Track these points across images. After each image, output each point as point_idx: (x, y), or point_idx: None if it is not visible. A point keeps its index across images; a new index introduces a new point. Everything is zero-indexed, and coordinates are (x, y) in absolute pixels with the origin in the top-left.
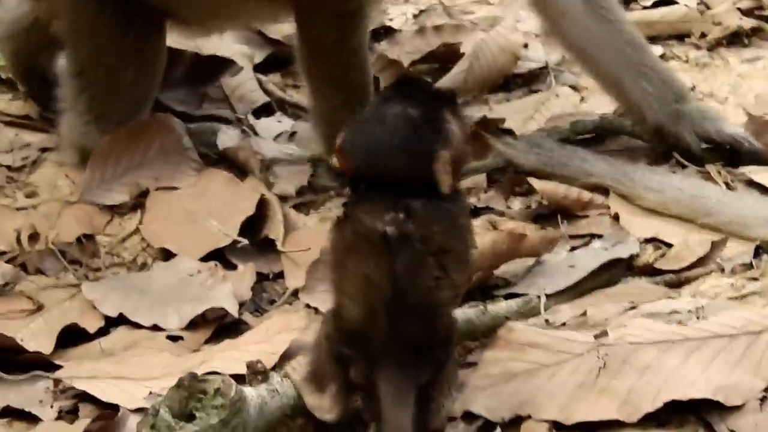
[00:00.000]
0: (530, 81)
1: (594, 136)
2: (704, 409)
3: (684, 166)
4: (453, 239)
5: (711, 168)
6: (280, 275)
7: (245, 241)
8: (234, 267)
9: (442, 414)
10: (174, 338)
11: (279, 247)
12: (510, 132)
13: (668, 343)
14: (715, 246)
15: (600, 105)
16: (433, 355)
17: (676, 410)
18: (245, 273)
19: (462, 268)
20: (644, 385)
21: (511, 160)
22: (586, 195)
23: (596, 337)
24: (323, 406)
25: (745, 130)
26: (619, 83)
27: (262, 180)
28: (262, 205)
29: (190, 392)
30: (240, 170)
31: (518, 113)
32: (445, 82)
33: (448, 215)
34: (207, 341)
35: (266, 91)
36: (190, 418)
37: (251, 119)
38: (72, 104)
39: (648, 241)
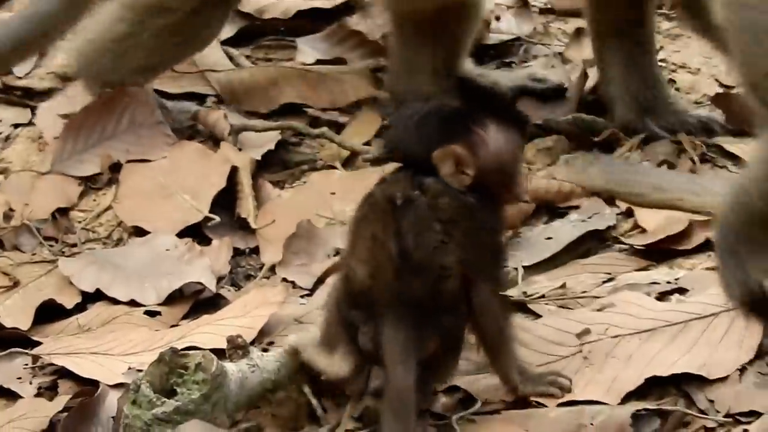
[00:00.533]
0: (503, 53)
1: None
2: (685, 383)
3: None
4: (462, 215)
5: (684, 139)
6: (256, 250)
7: (217, 219)
8: (210, 241)
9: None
10: (152, 313)
11: (252, 224)
12: None
13: (650, 331)
14: (694, 225)
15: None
16: (439, 322)
17: (656, 385)
18: (221, 248)
19: (476, 247)
20: (628, 372)
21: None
22: (567, 185)
23: (579, 335)
24: (333, 366)
25: (713, 108)
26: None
27: (231, 142)
28: (234, 177)
29: (171, 367)
30: (213, 140)
31: None
32: None
33: (458, 197)
34: (185, 316)
35: (238, 66)
36: (171, 393)
37: None
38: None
39: (624, 214)
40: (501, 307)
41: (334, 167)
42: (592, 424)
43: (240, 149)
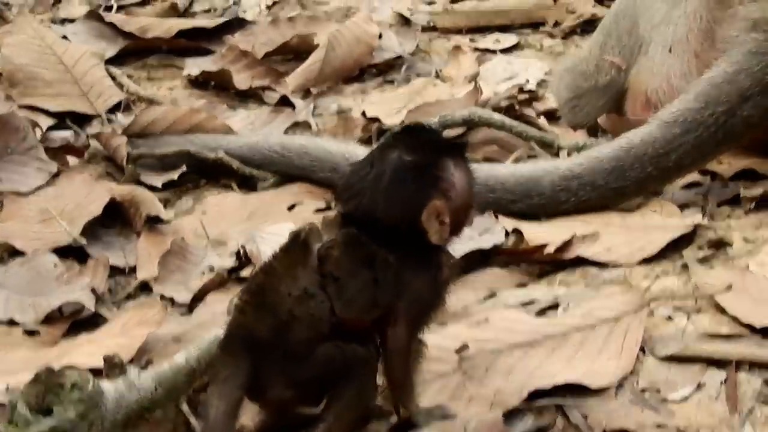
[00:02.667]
0: (385, 71)
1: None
2: (566, 395)
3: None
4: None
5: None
6: (135, 269)
7: (83, 241)
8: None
9: None
10: (31, 333)
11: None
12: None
13: (530, 343)
14: (576, 240)
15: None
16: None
17: (539, 398)
18: (98, 266)
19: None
20: (509, 384)
21: None
22: None
23: (458, 351)
24: None
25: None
26: None
27: (129, 172)
28: (122, 200)
29: (47, 386)
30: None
31: (385, 105)
32: (299, 73)
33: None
34: (64, 335)
35: (121, 86)
36: (47, 412)
37: (112, 116)
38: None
39: (513, 232)
40: (414, 351)
41: (230, 186)
42: (465, 430)
43: (138, 175)
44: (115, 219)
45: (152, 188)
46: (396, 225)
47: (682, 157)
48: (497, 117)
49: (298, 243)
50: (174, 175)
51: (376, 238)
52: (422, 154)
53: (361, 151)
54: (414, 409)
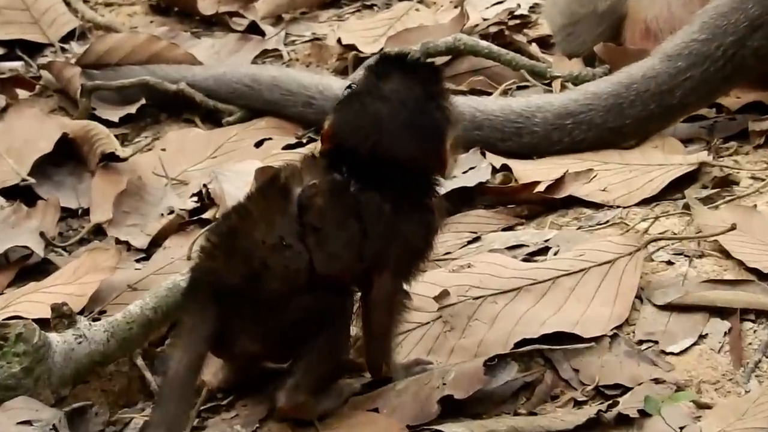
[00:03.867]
0: None
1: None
2: (552, 348)
3: None
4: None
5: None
6: (88, 211)
7: (32, 181)
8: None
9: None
10: None
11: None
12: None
13: (515, 291)
14: (572, 177)
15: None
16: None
17: (524, 352)
18: (48, 208)
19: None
20: (494, 333)
21: None
22: None
23: (437, 299)
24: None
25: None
26: None
27: (83, 105)
28: (75, 137)
29: None
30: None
31: (363, 32)
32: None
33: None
34: (10, 284)
35: (76, 12)
36: None
37: (66, 45)
38: None
39: (501, 169)
40: (398, 303)
41: (192, 121)
42: (444, 384)
43: (94, 109)
44: (67, 157)
45: (108, 123)
46: (416, 161)
47: (687, 94)
48: (484, 44)
49: (276, 185)
50: (132, 109)
51: (370, 184)
52: (426, 84)
53: (336, 84)
54: (391, 367)
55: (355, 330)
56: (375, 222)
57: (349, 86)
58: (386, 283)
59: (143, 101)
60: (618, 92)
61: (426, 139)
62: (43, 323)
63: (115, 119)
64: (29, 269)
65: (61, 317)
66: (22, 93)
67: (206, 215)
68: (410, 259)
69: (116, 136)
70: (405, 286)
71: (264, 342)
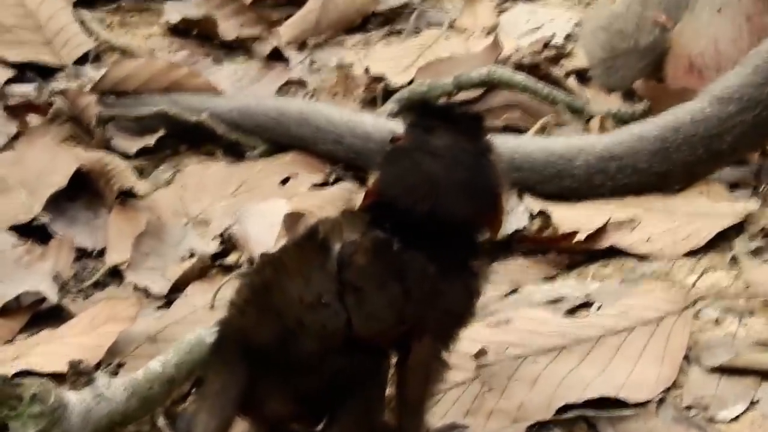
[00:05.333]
0: (391, 20)
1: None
2: (597, 412)
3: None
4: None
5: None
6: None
7: (46, 219)
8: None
9: None
10: None
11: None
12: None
13: (558, 348)
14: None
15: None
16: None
17: (567, 418)
18: (62, 247)
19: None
20: (535, 396)
21: None
22: None
23: (476, 357)
24: None
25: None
26: None
27: (99, 135)
28: (90, 170)
29: (2, 398)
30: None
31: (392, 61)
32: (294, 21)
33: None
34: (22, 329)
35: (90, 33)
36: (2, 429)
37: (80, 68)
38: None
39: (539, 214)
40: (436, 370)
41: (213, 154)
42: None
43: (110, 139)
44: (82, 190)
45: (125, 155)
46: (473, 221)
47: (738, 139)
48: (520, 78)
49: (314, 239)
50: (150, 141)
51: (415, 243)
52: (475, 138)
53: (367, 121)
54: None
55: (389, 391)
56: (418, 284)
57: (393, 139)
58: (426, 349)
59: (162, 132)
60: (665, 136)
61: (485, 198)
62: (57, 377)
63: (133, 150)
64: (42, 314)
65: (79, 374)
66: (33, 120)
67: (229, 259)
68: (451, 325)
69: (134, 169)
70: (443, 353)
71: (296, 404)
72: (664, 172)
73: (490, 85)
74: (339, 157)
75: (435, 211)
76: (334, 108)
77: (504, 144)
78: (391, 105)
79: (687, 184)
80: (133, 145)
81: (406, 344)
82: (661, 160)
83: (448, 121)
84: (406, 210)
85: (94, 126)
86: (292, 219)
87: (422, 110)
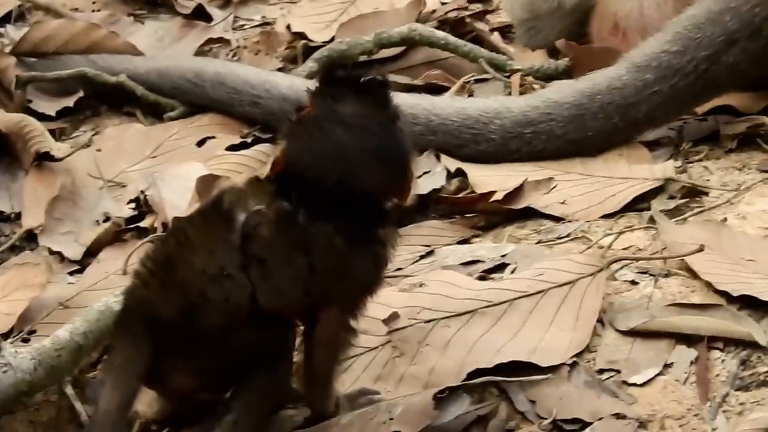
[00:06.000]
0: None
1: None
2: (509, 373)
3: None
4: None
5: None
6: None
7: None
8: None
9: None
10: None
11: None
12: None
13: (470, 313)
14: (531, 186)
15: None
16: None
17: (477, 383)
18: None
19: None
20: (446, 361)
21: None
22: None
23: (387, 321)
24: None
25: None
26: None
27: (18, 98)
28: (9, 132)
29: None
30: None
31: (314, 18)
32: None
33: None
34: None
35: None
36: None
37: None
38: None
39: (456, 174)
40: (344, 341)
41: (133, 115)
42: (391, 419)
43: (30, 101)
44: (1, 153)
45: (45, 117)
46: (383, 190)
47: (654, 108)
48: (440, 35)
49: (218, 210)
50: (69, 102)
51: (321, 214)
52: (383, 106)
53: (283, 82)
54: (330, 408)
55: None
56: (324, 256)
57: (299, 108)
58: (332, 320)
59: (81, 93)
60: (580, 102)
61: (393, 167)
62: None
63: (52, 112)
64: None
65: None
66: None
67: (144, 224)
68: (358, 295)
69: (53, 130)
70: (352, 323)
71: (200, 377)
72: (580, 139)
73: (411, 43)
74: (256, 118)
75: (343, 182)
76: (250, 69)
77: (420, 106)
78: (310, 64)
79: (604, 151)
80: (53, 106)
81: (312, 315)
82: (577, 128)
83: (354, 89)
84: (314, 181)
85: (14, 88)
86: (205, 182)
87: (328, 77)
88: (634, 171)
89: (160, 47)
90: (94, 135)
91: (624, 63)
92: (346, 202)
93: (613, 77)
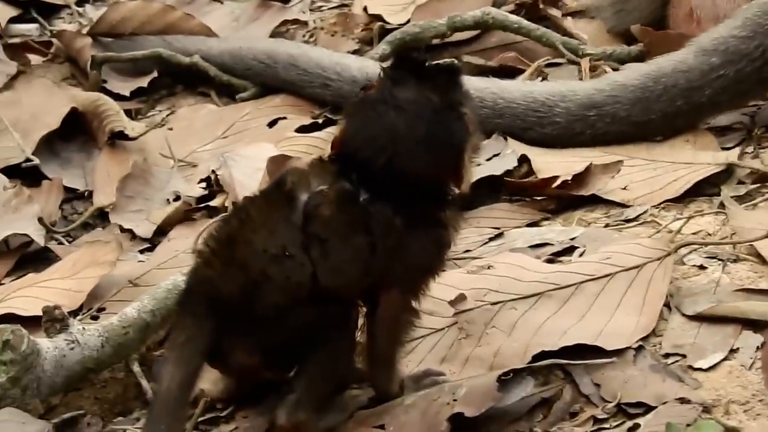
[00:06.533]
0: None
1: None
2: (573, 361)
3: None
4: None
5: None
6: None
7: (36, 161)
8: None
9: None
10: None
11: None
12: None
13: (536, 296)
14: (598, 170)
15: None
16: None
17: (542, 366)
18: (51, 190)
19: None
20: (512, 343)
21: None
22: None
23: (453, 303)
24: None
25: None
26: None
27: (93, 78)
28: (85, 111)
29: None
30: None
31: (390, 0)
32: None
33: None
34: (10, 272)
35: None
36: None
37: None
38: None
39: (523, 160)
40: (406, 322)
41: (207, 95)
42: (455, 400)
43: (105, 81)
44: (77, 131)
45: (119, 97)
46: (432, 175)
47: (718, 93)
48: (514, 19)
49: (281, 190)
50: (143, 82)
51: (381, 195)
52: (445, 92)
53: (354, 64)
54: (394, 389)
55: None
56: (384, 236)
57: (364, 87)
58: (394, 301)
59: (155, 74)
60: (645, 85)
61: (443, 153)
62: (38, 322)
63: (126, 92)
64: (30, 257)
65: (53, 321)
66: (35, 59)
67: (214, 203)
68: (419, 277)
69: (129, 109)
70: (413, 304)
71: (262, 356)
72: (644, 122)
73: (484, 27)
74: (327, 100)
75: (392, 164)
76: (322, 51)
77: (488, 89)
78: (383, 46)
79: (668, 135)
80: (128, 86)
81: (373, 296)
82: (641, 110)
83: (418, 73)
84: (366, 162)
85: (89, 68)
86: (275, 163)
87: (398, 60)
88: (698, 156)
89: (235, 28)
90: (168, 114)
91: (692, 47)
92: (402, 183)
93: (679, 60)
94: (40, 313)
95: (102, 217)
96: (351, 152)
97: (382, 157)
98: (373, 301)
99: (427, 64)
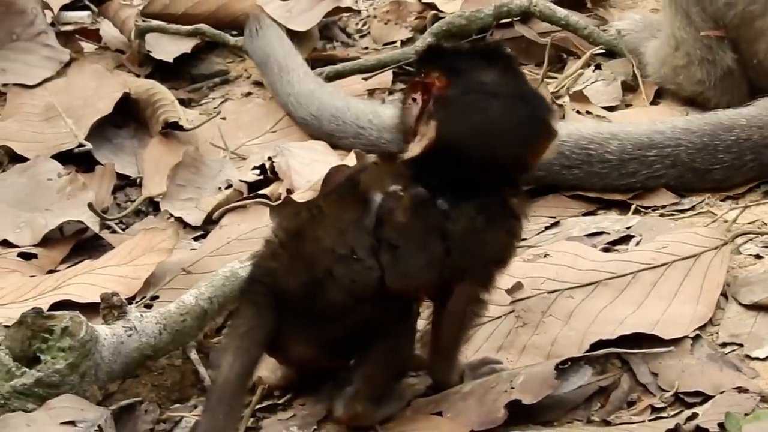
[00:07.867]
0: None
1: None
2: (631, 349)
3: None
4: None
5: None
6: None
7: (89, 146)
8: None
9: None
10: (27, 256)
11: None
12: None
13: (593, 285)
14: None
15: None
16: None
17: (600, 354)
18: (104, 176)
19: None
20: (569, 332)
21: None
22: None
23: (511, 291)
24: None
25: None
26: None
27: (136, 47)
28: (138, 98)
29: (34, 331)
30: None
31: None
32: None
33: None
34: (65, 259)
35: None
36: (33, 361)
37: None
38: None
39: None
40: (473, 313)
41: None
42: (512, 387)
43: (149, 52)
44: (129, 117)
45: (163, 64)
46: (531, 155)
47: None
48: (561, 13)
49: (354, 189)
50: (187, 47)
51: (459, 197)
52: (514, 72)
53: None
54: (453, 380)
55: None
56: (464, 238)
57: (420, 85)
58: (465, 294)
59: (198, 40)
60: (714, 133)
61: (538, 131)
62: (94, 309)
63: (170, 59)
64: (85, 243)
65: (111, 308)
66: (87, 46)
67: (266, 191)
68: (492, 268)
69: (183, 98)
70: (482, 296)
71: (321, 349)
72: (706, 170)
73: (529, 16)
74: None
75: (494, 151)
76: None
77: None
78: (428, 38)
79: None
80: (170, 53)
81: (442, 292)
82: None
83: (484, 61)
84: (465, 156)
85: (133, 38)
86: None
87: (451, 55)
88: None
89: (288, 17)
90: (222, 102)
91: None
92: (487, 174)
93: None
94: (97, 300)
95: (154, 205)
96: (445, 149)
97: (488, 144)
98: (442, 297)
99: (482, 50)
